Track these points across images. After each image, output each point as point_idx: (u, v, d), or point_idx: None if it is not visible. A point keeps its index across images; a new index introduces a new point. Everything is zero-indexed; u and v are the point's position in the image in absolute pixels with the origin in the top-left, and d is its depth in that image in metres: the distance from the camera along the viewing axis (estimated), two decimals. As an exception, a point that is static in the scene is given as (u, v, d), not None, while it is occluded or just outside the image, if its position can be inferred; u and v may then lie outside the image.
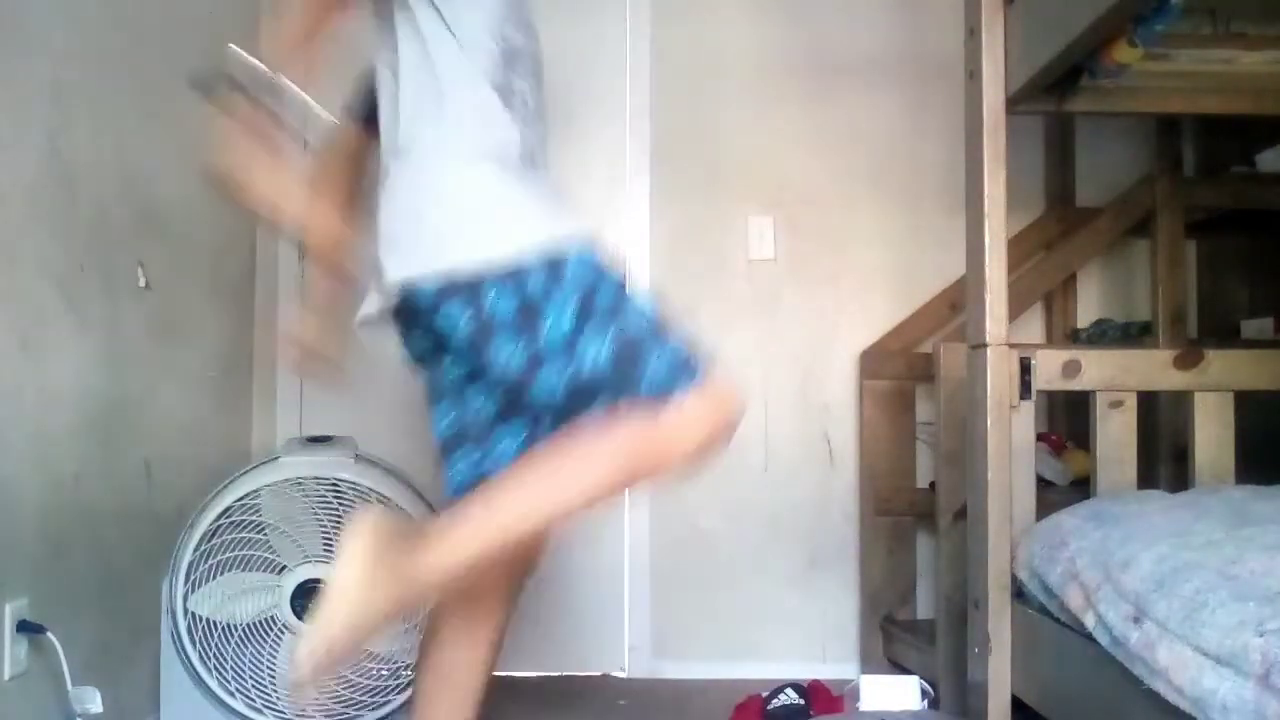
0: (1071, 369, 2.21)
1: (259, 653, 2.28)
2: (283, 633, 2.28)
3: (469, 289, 1.51)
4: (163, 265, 2.45)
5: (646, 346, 1.53)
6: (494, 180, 1.60)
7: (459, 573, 1.55)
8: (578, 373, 1.51)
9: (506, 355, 1.51)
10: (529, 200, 1.62)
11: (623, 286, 1.59)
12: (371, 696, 2.30)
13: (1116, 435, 2.24)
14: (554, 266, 1.52)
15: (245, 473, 2.35)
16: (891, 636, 2.97)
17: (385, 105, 1.68)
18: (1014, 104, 2.24)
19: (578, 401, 1.52)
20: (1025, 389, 2.16)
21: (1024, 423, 2.18)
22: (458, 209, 1.58)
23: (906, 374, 3.04)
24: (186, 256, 2.62)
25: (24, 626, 1.94)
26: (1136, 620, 1.67)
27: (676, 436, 1.54)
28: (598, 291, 1.54)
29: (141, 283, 2.37)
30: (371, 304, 1.63)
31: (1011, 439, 2.15)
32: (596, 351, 1.51)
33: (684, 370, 1.54)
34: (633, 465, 1.54)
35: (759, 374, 3.19)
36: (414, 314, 1.62)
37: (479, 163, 1.60)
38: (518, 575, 1.86)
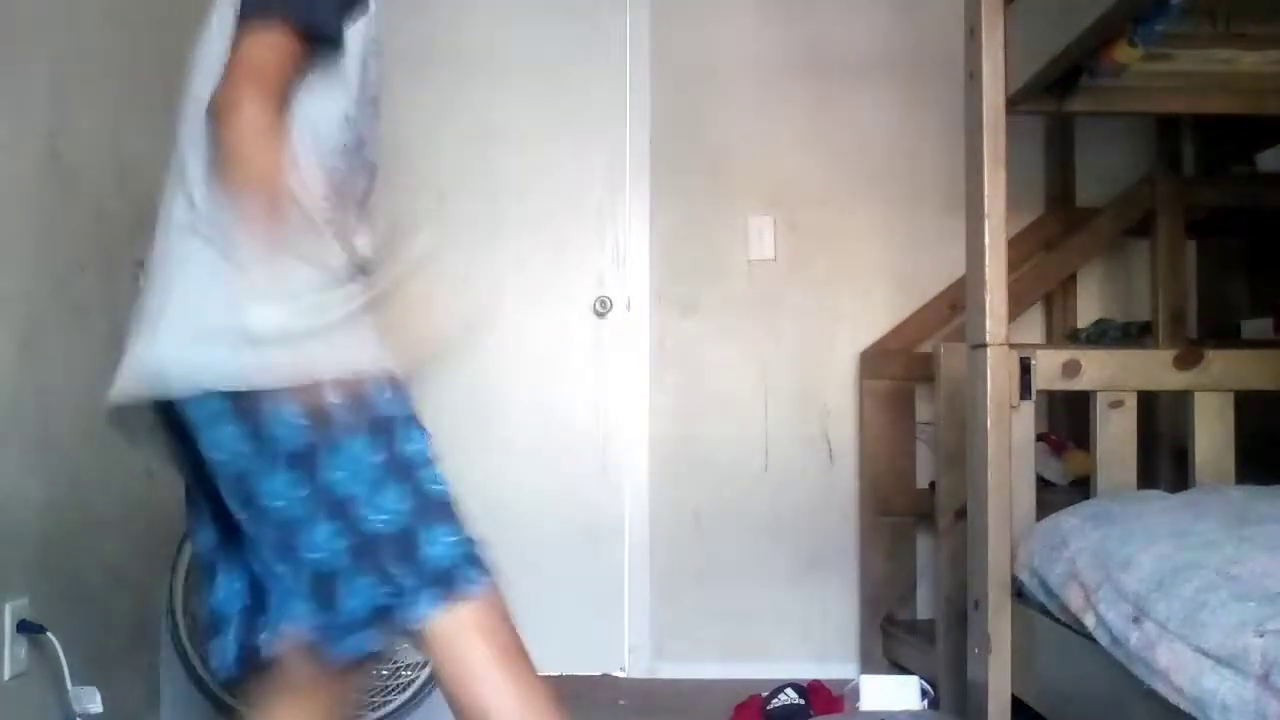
0: (1071, 369, 2.21)
1: (259, 653, 2.28)
2: (283, 633, 2.27)
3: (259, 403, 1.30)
4: (163, 265, 2.45)
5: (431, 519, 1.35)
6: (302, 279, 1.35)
7: None
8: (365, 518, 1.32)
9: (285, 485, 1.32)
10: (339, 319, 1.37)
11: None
12: (371, 696, 2.30)
13: (1116, 435, 2.24)
14: (359, 396, 1.33)
15: (245, 473, 2.35)
16: (891, 636, 2.97)
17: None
18: (1014, 104, 2.25)
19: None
20: (1025, 389, 2.16)
21: (1024, 423, 2.18)
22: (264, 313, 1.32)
23: (906, 374, 3.04)
24: (186, 256, 2.61)
25: (24, 626, 1.94)
26: (1136, 620, 1.67)
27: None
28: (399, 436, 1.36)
29: (141, 283, 2.36)
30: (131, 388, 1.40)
31: (1011, 439, 2.15)
32: (395, 500, 1.33)
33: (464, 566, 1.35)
34: None
35: (759, 374, 3.19)
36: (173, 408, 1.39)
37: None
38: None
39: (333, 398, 1.31)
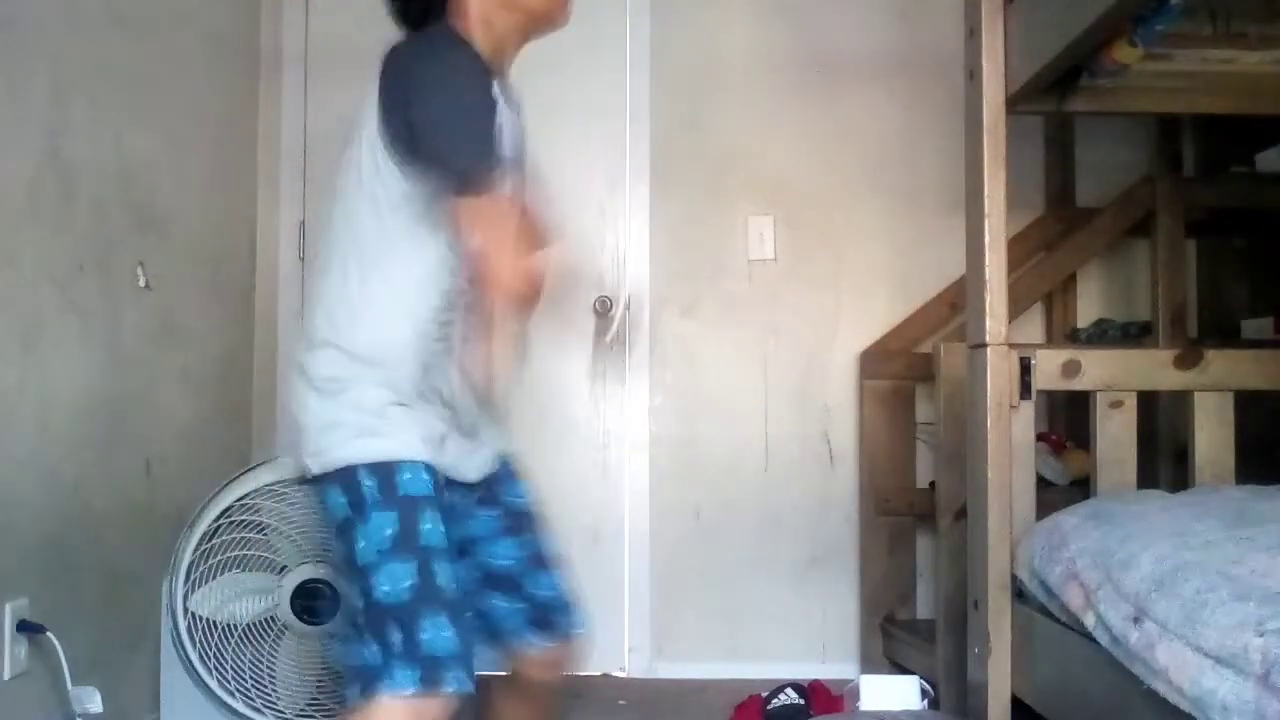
0: (1071, 369, 2.21)
1: (259, 653, 2.28)
2: (282, 633, 2.28)
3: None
4: (163, 265, 2.45)
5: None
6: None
7: None
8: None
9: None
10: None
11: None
12: (371, 696, 2.29)
13: (1116, 435, 2.24)
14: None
15: (245, 473, 2.35)
16: (891, 636, 2.97)
17: None
18: (1014, 104, 2.24)
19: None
20: (1025, 389, 2.16)
21: (1024, 423, 2.18)
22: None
23: (906, 374, 3.04)
24: (186, 256, 2.62)
25: (24, 626, 1.95)
26: (1136, 620, 1.66)
27: None
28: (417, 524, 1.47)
29: (141, 283, 2.37)
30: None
31: (1011, 439, 2.15)
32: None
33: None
34: None
35: (759, 374, 3.19)
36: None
37: None
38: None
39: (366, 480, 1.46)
